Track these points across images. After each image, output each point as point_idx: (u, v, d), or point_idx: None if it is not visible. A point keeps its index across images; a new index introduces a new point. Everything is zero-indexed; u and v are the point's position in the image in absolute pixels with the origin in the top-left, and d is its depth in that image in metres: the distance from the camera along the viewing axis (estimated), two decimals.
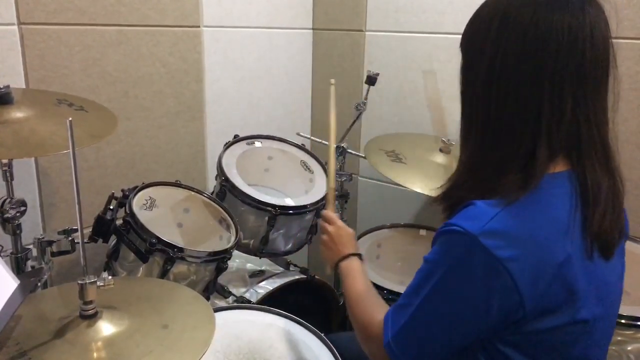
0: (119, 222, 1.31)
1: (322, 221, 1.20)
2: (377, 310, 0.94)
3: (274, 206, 1.52)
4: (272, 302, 1.47)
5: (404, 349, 0.83)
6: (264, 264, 1.74)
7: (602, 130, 0.82)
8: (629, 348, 1.26)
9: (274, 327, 1.26)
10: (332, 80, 1.43)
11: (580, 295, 0.78)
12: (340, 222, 1.17)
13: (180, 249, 1.28)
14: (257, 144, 1.75)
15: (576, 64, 0.77)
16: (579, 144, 0.80)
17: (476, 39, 0.84)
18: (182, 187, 1.53)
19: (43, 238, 1.25)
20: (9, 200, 1.20)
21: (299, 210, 1.58)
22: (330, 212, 1.21)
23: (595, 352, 0.86)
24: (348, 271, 1.08)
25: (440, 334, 0.81)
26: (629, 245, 1.51)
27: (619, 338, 1.26)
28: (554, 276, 0.75)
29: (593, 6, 0.78)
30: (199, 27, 1.81)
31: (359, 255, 1.11)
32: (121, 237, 1.30)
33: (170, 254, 1.27)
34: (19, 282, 0.93)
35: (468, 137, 0.87)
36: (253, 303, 1.48)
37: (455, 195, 0.87)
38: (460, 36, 0.88)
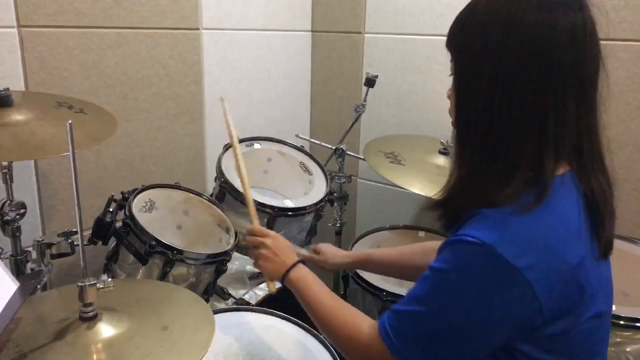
0: (118, 224, 1.31)
1: (252, 237, 1.13)
2: (359, 318, 0.92)
3: (273, 207, 1.52)
4: (271, 304, 1.47)
5: (423, 357, 0.80)
6: None
7: (598, 133, 0.82)
8: (627, 349, 1.26)
9: (274, 328, 1.26)
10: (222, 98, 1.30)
11: (592, 295, 0.78)
12: (273, 232, 1.13)
13: (180, 251, 1.29)
14: (256, 145, 1.76)
15: (578, 67, 0.76)
16: (581, 148, 0.80)
17: (474, 46, 0.80)
18: (182, 189, 1.53)
19: (42, 240, 1.25)
20: (8, 202, 1.20)
21: (298, 211, 1.58)
22: (258, 226, 1.16)
23: (602, 347, 0.87)
24: (303, 281, 1.03)
25: (455, 345, 0.78)
26: (627, 247, 1.53)
27: (618, 339, 1.26)
28: (569, 280, 0.75)
29: (587, 7, 0.78)
30: (198, 29, 1.81)
31: (302, 262, 1.08)
32: (120, 240, 1.30)
33: (170, 256, 1.27)
34: (18, 284, 0.93)
35: (466, 146, 0.84)
36: (253, 305, 1.49)
37: (455, 204, 0.85)
38: None
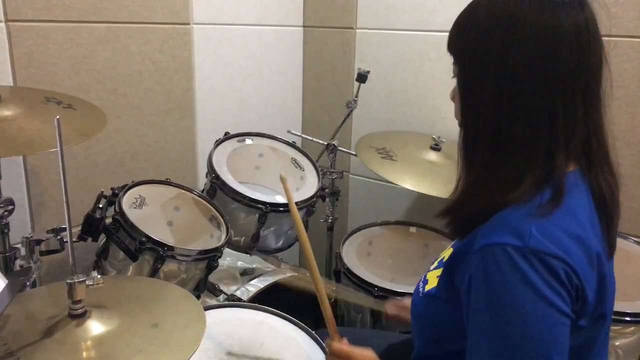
0: (108, 220, 1.30)
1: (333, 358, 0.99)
2: None
3: (264, 203, 1.52)
4: (263, 299, 1.46)
5: None
6: (255, 262, 1.74)
7: (604, 129, 0.82)
8: (617, 343, 1.28)
9: (265, 325, 1.26)
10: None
11: (606, 290, 0.78)
12: (356, 351, 0.96)
13: (171, 248, 1.28)
14: (248, 141, 1.75)
15: (584, 65, 0.76)
16: (590, 148, 0.80)
17: (477, 50, 0.78)
18: (172, 185, 1.52)
19: (32, 237, 1.24)
20: None
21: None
22: (338, 345, 0.99)
23: (605, 346, 0.87)
24: None
25: (534, 353, 0.72)
26: (617, 242, 1.54)
27: None
28: (596, 270, 0.76)
29: (588, 5, 0.77)
30: (188, 24, 1.80)
31: None
32: (111, 236, 1.29)
33: (161, 252, 1.27)
34: (7, 281, 0.92)
35: (474, 151, 0.82)
36: (244, 301, 1.48)
37: (466, 210, 0.83)
38: None
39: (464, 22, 0.81)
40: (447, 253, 0.95)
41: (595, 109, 0.80)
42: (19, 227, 1.43)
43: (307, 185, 1.69)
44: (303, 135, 1.98)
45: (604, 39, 0.80)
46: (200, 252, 1.34)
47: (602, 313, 0.79)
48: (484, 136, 0.80)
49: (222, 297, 1.52)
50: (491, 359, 0.73)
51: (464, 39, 0.81)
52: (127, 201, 1.36)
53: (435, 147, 1.73)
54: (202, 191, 1.60)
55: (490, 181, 0.80)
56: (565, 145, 0.77)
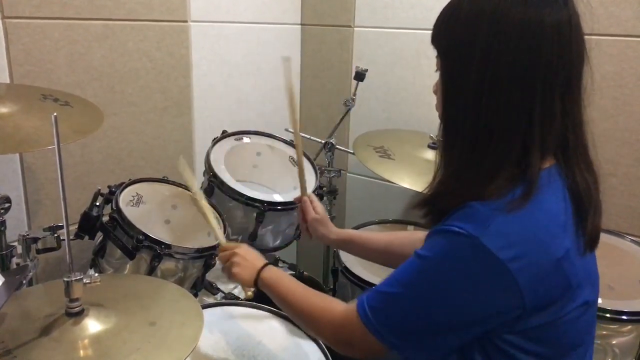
0: (105, 218, 1.30)
1: (223, 252, 1.17)
2: (332, 301, 0.95)
3: (262, 202, 1.52)
4: (260, 298, 1.46)
5: (400, 338, 0.81)
6: None
7: (583, 128, 0.83)
8: (613, 342, 1.28)
9: (263, 323, 1.26)
10: None
11: (576, 286, 0.79)
12: (242, 244, 1.17)
13: (168, 246, 1.28)
14: (246, 139, 1.75)
15: (564, 62, 0.77)
16: (567, 144, 0.81)
17: (461, 43, 0.80)
18: (170, 183, 1.52)
19: (28, 235, 1.23)
20: None
21: (287, 206, 1.58)
22: (227, 243, 1.21)
23: (587, 338, 0.87)
24: (276, 278, 1.05)
25: (433, 331, 0.80)
26: (613, 241, 1.54)
27: (604, 332, 1.28)
28: (554, 271, 0.76)
29: (572, 3, 0.79)
30: (186, 21, 1.79)
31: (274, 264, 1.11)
32: (108, 234, 1.29)
33: (158, 250, 1.26)
34: (3, 279, 0.92)
35: (454, 144, 0.84)
36: (242, 299, 1.48)
37: (442, 202, 0.85)
38: None
39: (448, 16, 0.83)
40: None
41: (575, 105, 0.81)
42: (16, 225, 1.43)
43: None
44: (301, 134, 1.98)
45: (589, 37, 0.80)
46: (198, 251, 1.33)
47: (585, 300, 0.81)
48: (463, 129, 0.81)
49: (219, 295, 1.52)
50: (391, 306, 0.82)
51: (449, 32, 0.83)
52: (124, 199, 1.36)
53: (433, 146, 1.73)
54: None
55: (467, 175, 0.82)
56: (540, 141, 0.78)
